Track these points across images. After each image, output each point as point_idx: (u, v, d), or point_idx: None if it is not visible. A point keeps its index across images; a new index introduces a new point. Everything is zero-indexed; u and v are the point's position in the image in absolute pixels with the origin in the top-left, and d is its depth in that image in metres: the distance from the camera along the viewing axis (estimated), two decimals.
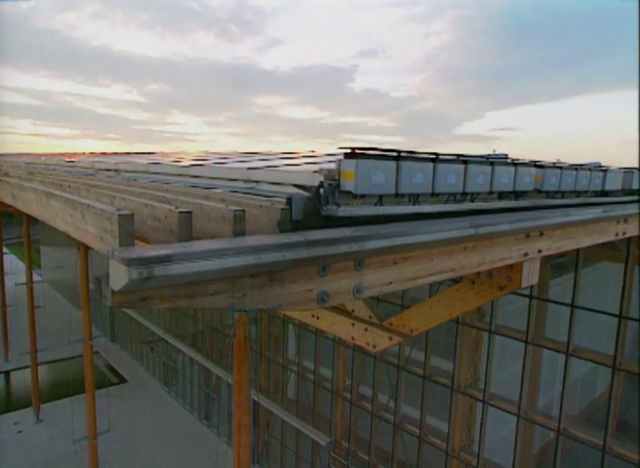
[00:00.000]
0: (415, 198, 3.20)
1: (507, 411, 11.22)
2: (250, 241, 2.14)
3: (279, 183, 3.34)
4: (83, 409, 16.71)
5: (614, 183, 5.41)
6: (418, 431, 12.99)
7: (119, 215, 2.06)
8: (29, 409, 21.47)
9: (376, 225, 2.82)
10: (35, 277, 22.36)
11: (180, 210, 2.23)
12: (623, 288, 9.52)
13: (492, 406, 11.53)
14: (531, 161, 4.29)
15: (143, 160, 9.27)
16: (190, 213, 2.24)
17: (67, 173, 6.36)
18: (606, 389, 10.85)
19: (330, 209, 2.76)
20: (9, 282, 27.86)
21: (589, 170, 4.97)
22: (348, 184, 2.77)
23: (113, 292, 1.86)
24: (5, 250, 28.10)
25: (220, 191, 3.37)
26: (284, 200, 2.70)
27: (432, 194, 3.28)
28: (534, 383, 11.17)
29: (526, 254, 4.20)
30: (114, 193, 3.02)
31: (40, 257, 40.25)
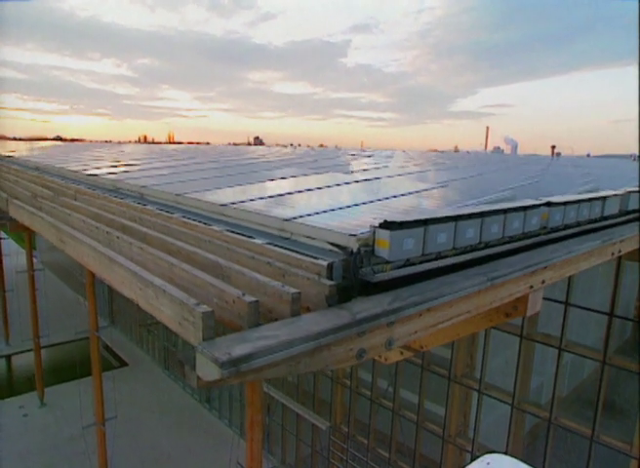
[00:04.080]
0: (438, 254, 3.55)
1: (502, 401, 11.80)
2: (310, 326, 2.48)
3: (314, 238, 3.66)
4: (86, 392, 17.12)
5: (612, 208, 5.78)
6: (415, 417, 13.60)
7: (202, 313, 2.38)
8: (33, 393, 21.91)
9: (407, 288, 3.17)
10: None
11: (249, 300, 2.56)
12: (615, 287, 10.00)
13: (487, 395, 12.10)
14: (541, 201, 4.63)
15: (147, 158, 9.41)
16: (258, 302, 2.57)
17: (90, 190, 6.58)
18: (593, 371, 11.45)
19: (365, 272, 3.10)
20: (7, 263, 27.97)
21: (589, 200, 5.33)
22: (382, 251, 3.11)
23: (199, 377, 2.20)
24: (3, 234, 28.11)
25: (259, 242, 3.69)
26: (325, 265, 3.04)
27: (453, 248, 3.63)
28: (526, 374, 11.73)
29: (531, 287, 4.58)
30: (170, 259, 3.31)
31: (35, 238, 40.22)
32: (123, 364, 25.54)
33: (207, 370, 2.10)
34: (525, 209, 4.25)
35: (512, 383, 11.65)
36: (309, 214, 4.26)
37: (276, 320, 2.68)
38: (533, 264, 4.06)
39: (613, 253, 6.10)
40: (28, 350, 22.81)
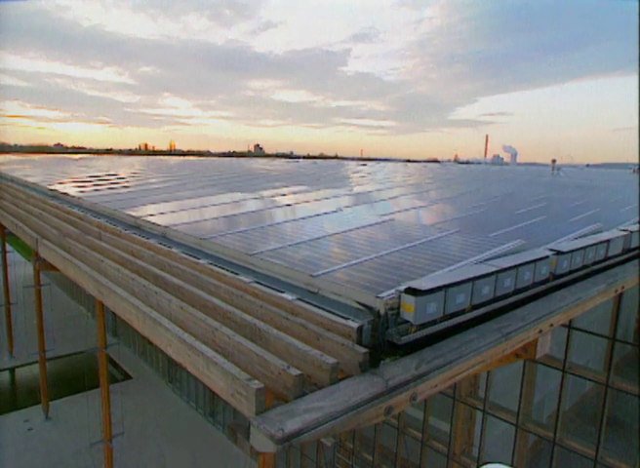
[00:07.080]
0: (457, 312, 3.81)
1: (506, 421, 11.97)
2: (349, 396, 2.73)
3: (341, 295, 3.92)
4: (92, 405, 17.16)
5: (615, 249, 6.05)
6: (420, 435, 13.73)
7: (256, 390, 2.63)
8: (38, 406, 21.93)
9: (430, 349, 3.43)
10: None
11: (294, 373, 2.81)
12: (618, 312, 10.22)
13: (492, 415, 12.26)
14: (550, 249, 4.89)
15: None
16: (303, 375, 2.82)
17: (111, 225, 6.81)
18: (594, 385, 11.61)
19: (391, 333, 3.35)
20: (12, 273, 28.03)
21: (595, 244, 5.59)
22: (408, 315, 3.37)
23: (252, 447, 2.45)
24: (9, 248, 28.26)
25: (290, 298, 3.94)
26: (356, 327, 3.29)
27: (470, 305, 3.89)
28: (529, 394, 11.91)
29: (540, 331, 4.84)
30: (212, 322, 3.55)
31: None
32: (127, 377, 25.59)
33: (262, 444, 2.34)
34: (535, 261, 4.51)
35: (514, 398, 11.81)
36: (336, 270, 4.51)
37: (315, 385, 2.93)
38: (543, 315, 4.32)
39: (616, 291, 6.36)
40: (33, 363, 22.87)
